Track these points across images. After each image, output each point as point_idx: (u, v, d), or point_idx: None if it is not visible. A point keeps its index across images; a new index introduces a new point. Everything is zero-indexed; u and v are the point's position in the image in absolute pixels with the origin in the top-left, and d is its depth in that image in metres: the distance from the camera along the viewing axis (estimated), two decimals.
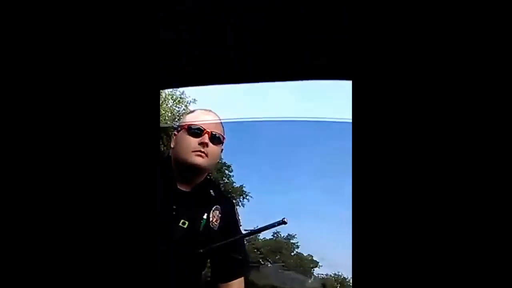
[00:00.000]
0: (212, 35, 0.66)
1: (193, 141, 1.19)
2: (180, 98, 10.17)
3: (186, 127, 1.22)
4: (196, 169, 1.20)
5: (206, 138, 1.19)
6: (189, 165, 1.18)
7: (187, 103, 10.05)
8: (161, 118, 9.50)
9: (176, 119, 9.88)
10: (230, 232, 1.24)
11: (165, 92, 10.05)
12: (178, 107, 10.09)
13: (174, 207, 1.16)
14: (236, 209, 1.35)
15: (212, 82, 0.67)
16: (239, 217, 1.32)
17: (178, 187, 1.20)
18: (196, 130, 1.20)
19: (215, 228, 1.21)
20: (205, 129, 1.20)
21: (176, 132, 1.26)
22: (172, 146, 1.25)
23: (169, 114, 9.83)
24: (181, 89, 10.33)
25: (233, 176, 10.85)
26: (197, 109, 1.32)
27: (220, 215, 1.23)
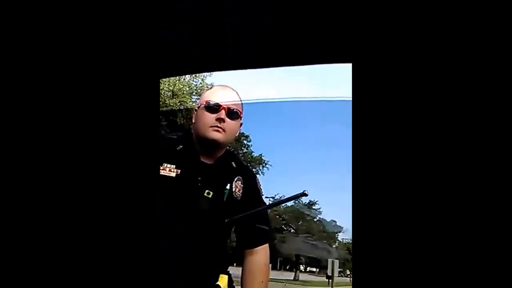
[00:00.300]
0: (210, 21, 0.65)
1: (211, 117, 1.22)
2: None
3: (204, 103, 1.26)
4: (215, 144, 1.23)
5: (222, 114, 1.22)
6: (208, 140, 1.22)
7: (203, 76, 10.06)
8: (179, 93, 9.52)
9: (194, 93, 9.93)
10: (253, 202, 1.28)
11: None
12: (195, 81, 10.15)
13: (199, 178, 1.22)
14: (258, 179, 1.40)
15: (212, 68, 0.67)
16: (261, 187, 1.37)
17: (201, 159, 1.25)
18: (213, 106, 1.24)
19: (238, 198, 1.26)
20: (221, 105, 1.24)
21: (196, 108, 1.31)
22: (193, 121, 1.30)
23: (187, 88, 9.88)
24: None
25: (251, 145, 10.96)
26: (215, 85, 1.37)
27: (242, 185, 1.28)
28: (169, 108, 9.55)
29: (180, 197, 1.18)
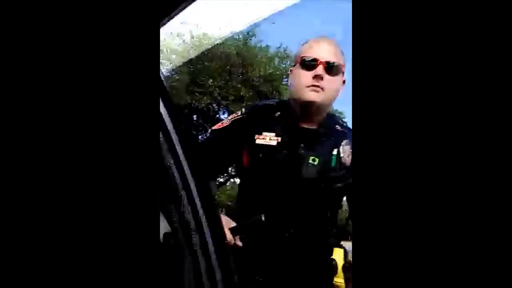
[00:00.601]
0: None
1: (307, 75, 1.07)
2: (285, 53, 10.13)
3: (299, 60, 1.11)
4: (313, 106, 1.08)
5: (320, 70, 1.06)
6: (304, 102, 1.08)
7: (291, 57, 9.90)
8: (270, 77, 9.56)
9: (285, 76, 9.87)
10: None
11: (270, 53, 10.08)
12: (285, 63, 10.07)
13: (302, 145, 1.10)
14: None
15: None
16: None
17: (302, 125, 1.13)
18: (309, 62, 1.08)
19: (348, 164, 1.12)
20: (318, 60, 1.07)
21: (292, 68, 1.17)
22: (289, 83, 1.18)
23: (277, 73, 9.88)
24: (284, 45, 10.19)
25: (346, 122, 10.52)
26: (310, 39, 1.16)
27: (351, 150, 1.12)
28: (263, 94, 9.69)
29: (284, 167, 1.08)
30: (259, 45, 10.13)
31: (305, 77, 1.08)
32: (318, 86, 1.06)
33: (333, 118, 1.21)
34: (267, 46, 10.24)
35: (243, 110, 1.19)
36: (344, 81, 1.15)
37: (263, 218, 0.94)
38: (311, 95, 1.07)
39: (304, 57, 1.10)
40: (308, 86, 1.07)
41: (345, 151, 1.12)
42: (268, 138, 1.10)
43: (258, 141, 1.10)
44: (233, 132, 1.14)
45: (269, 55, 10.04)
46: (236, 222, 1.05)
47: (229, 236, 1.01)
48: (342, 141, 1.13)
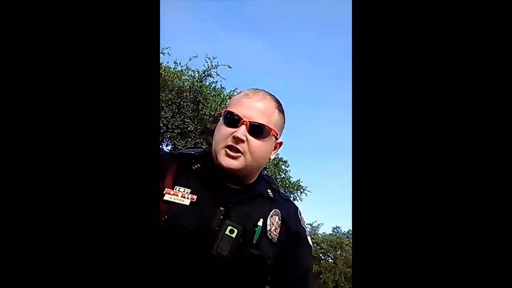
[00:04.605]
0: None
1: (227, 133, 0.90)
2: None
3: (223, 113, 0.95)
4: (229, 172, 0.90)
5: (241, 131, 0.89)
6: (219, 165, 0.90)
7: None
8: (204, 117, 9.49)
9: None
10: (293, 248, 0.96)
11: (224, 94, 10.20)
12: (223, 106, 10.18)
13: (221, 209, 0.89)
14: (301, 215, 1.03)
15: None
16: (305, 224, 1.02)
17: (227, 184, 0.94)
18: (232, 119, 0.91)
19: (274, 241, 0.92)
20: (242, 118, 0.90)
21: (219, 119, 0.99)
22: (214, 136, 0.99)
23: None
24: (239, 89, 10.35)
25: (289, 171, 10.75)
26: (246, 90, 0.98)
27: (280, 223, 0.95)
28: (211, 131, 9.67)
29: (194, 235, 0.85)
30: (213, 85, 10.25)
31: (224, 135, 0.90)
32: (236, 150, 0.89)
33: (264, 180, 1.02)
34: (222, 87, 10.39)
35: None
36: (280, 144, 0.99)
37: None
38: (226, 161, 0.89)
39: (228, 112, 0.93)
40: (226, 147, 0.89)
41: (272, 223, 0.93)
42: (181, 195, 0.88)
43: (166, 197, 0.87)
44: None
45: (222, 97, 10.16)
46: None
47: None
48: (270, 211, 0.94)
